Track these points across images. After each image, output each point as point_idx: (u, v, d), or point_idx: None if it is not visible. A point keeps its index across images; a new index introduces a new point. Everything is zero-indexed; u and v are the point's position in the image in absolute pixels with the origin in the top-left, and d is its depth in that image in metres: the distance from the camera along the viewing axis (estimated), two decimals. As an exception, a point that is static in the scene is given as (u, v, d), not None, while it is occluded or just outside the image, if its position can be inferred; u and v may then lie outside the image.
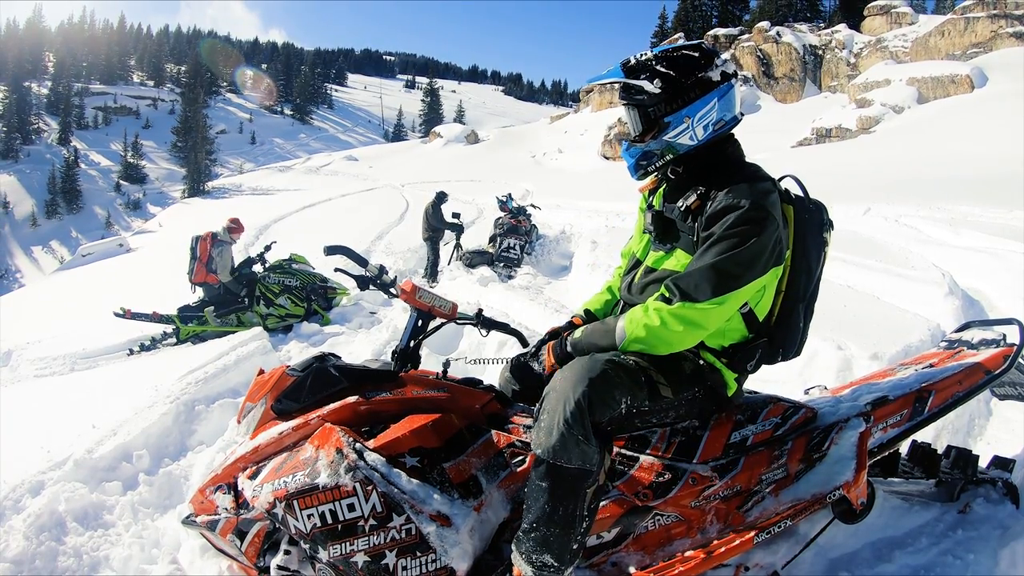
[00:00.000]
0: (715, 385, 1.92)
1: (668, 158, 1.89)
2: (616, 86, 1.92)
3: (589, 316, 2.25)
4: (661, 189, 2.08)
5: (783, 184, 1.96)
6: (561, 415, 1.69)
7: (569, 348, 1.97)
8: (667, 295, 1.77)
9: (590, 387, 1.70)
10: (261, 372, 2.35)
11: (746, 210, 1.73)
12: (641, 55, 1.89)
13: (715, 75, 1.85)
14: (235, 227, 8.67)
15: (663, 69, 1.83)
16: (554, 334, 2.15)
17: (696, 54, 1.86)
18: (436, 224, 10.68)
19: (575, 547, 1.74)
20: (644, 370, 1.83)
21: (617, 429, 1.86)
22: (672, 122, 1.85)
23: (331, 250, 2.33)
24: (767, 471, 1.92)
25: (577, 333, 1.98)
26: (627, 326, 1.82)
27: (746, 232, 1.72)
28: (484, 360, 2.48)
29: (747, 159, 1.97)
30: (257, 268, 8.49)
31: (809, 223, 1.92)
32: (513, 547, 1.79)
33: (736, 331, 1.90)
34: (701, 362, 1.90)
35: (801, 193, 1.96)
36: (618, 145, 40.87)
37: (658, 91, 1.83)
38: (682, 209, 1.88)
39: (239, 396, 4.05)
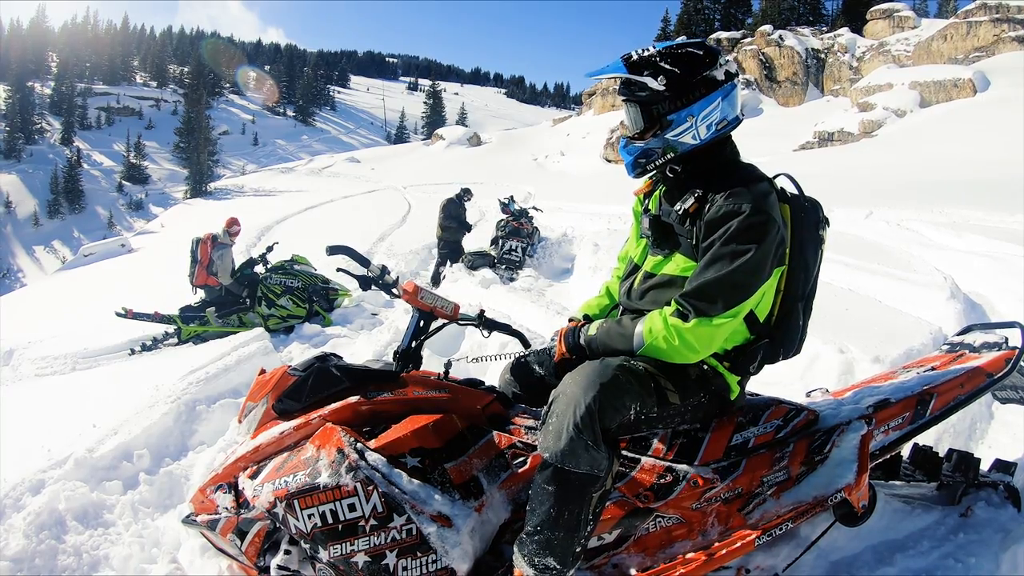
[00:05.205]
0: (719, 389, 1.92)
1: (668, 157, 1.86)
2: (617, 82, 1.90)
3: (588, 320, 2.22)
4: (657, 193, 2.06)
5: (778, 182, 1.94)
6: (571, 420, 1.67)
7: (583, 341, 1.96)
8: (682, 310, 1.75)
9: (601, 392, 1.69)
10: (262, 372, 2.34)
11: (747, 215, 1.71)
12: (643, 50, 1.85)
13: (719, 74, 1.83)
14: (233, 226, 8.68)
15: (667, 66, 1.80)
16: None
17: (700, 52, 1.84)
18: (447, 223, 10.45)
19: (578, 550, 1.75)
20: (653, 376, 1.82)
21: (622, 432, 1.85)
22: (675, 120, 1.82)
23: (333, 250, 2.34)
24: (769, 473, 1.92)
25: (592, 329, 1.95)
26: (646, 336, 1.80)
27: (750, 239, 1.71)
28: (485, 357, 2.46)
29: (744, 160, 1.96)
30: (259, 269, 8.49)
31: (805, 221, 1.90)
32: (515, 548, 1.79)
33: (738, 334, 1.89)
34: (705, 367, 1.90)
35: (796, 191, 1.96)
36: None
37: (662, 88, 1.80)
38: (679, 212, 1.86)
39: (240, 396, 4.05)
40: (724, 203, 1.75)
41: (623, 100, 1.91)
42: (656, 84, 1.80)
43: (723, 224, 1.74)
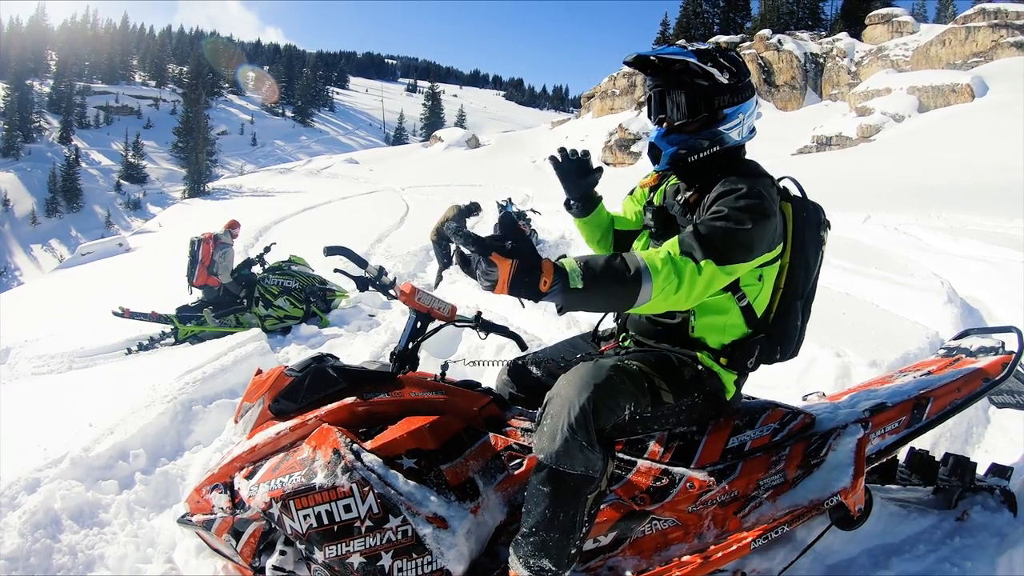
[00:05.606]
0: (713, 390, 1.92)
1: (714, 151, 1.88)
2: (637, 74, 1.93)
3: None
4: (663, 187, 2.09)
5: (782, 184, 1.96)
6: (565, 421, 1.67)
7: (578, 265, 1.51)
8: (688, 250, 1.61)
9: (595, 393, 1.69)
10: (259, 372, 2.34)
11: (743, 194, 1.73)
12: (700, 44, 1.88)
13: (751, 83, 1.91)
14: (235, 228, 8.74)
15: (726, 63, 1.85)
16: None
17: (740, 60, 1.90)
18: (446, 233, 10.25)
19: (573, 552, 1.74)
20: (647, 376, 1.83)
21: (618, 434, 1.85)
22: (729, 115, 1.86)
23: (331, 250, 2.34)
24: (765, 477, 1.92)
25: (572, 262, 1.53)
26: (644, 257, 1.56)
27: (746, 207, 1.70)
28: (482, 362, 2.47)
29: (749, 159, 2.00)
30: (256, 269, 8.48)
31: (807, 220, 1.92)
32: (511, 550, 1.78)
33: (736, 327, 1.91)
34: (700, 367, 1.91)
35: (799, 194, 1.97)
36: (619, 151, 41.41)
37: (726, 82, 1.84)
38: (681, 203, 1.91)
39: (237, 396, 4.04)
40: (722, 186, 1.79)
41: (661, 88, 1.88)
42: (722, 77, 1.83)
43: (721, 198, 1.76)
